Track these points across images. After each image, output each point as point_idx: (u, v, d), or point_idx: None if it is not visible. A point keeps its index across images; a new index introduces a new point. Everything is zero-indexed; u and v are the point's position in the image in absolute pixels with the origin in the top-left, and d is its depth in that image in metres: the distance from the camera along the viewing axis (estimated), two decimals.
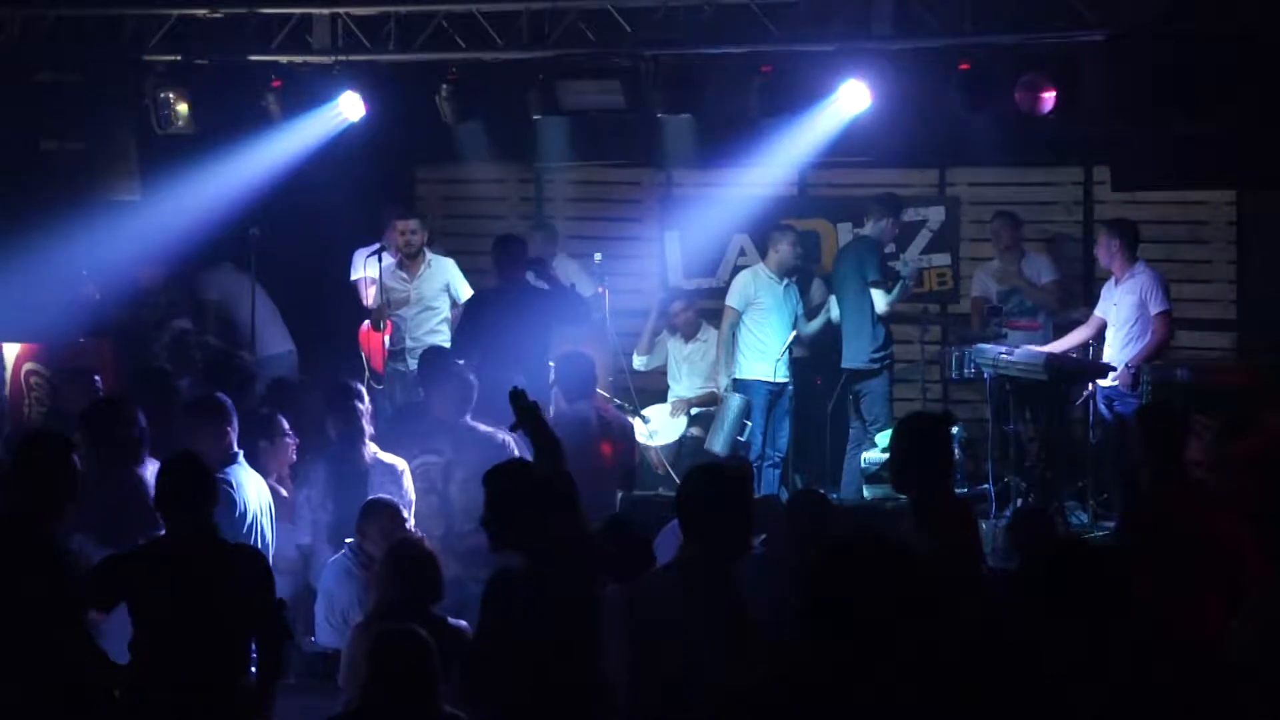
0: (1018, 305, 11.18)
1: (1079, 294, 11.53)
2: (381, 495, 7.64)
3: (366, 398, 8.34)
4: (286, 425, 8.32)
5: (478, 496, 6.63)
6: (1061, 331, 10.98)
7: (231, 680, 5.78)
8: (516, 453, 8.00)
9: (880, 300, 10.87)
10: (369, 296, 11.21)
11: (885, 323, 11.01)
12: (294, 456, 8.27)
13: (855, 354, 11.01)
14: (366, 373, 10.92)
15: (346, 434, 8.05)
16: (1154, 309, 10.30)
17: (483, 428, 8.28)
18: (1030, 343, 10.58)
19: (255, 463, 7.68)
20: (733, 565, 5.43)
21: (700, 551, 5.38)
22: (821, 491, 8.83)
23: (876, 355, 10.97)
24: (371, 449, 8.08)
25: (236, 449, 7.47)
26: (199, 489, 5.93)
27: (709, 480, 5.54)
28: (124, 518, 6.78)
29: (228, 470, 7.28)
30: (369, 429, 8.15)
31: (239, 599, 5.79)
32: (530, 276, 10.26)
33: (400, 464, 8.09)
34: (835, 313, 11.22)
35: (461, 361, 9.18)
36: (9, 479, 6.14)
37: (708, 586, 5.33)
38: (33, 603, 5.75)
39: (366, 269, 11.19)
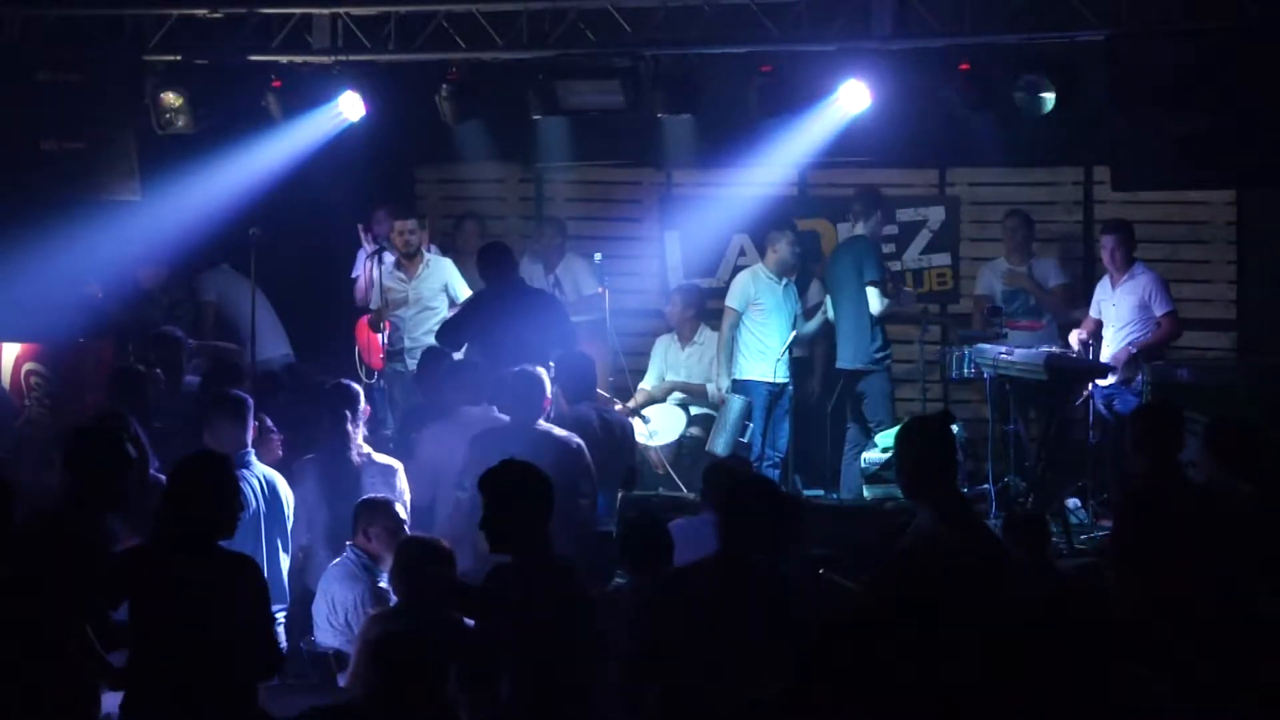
0: (1022, 306, 11.16)
1: (1080, 294, 11.51)
2: (374, 494, 7.64)
3: (363, 397, 8.31)
4: (270, 422, 8.32)
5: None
6: (1066, 331, 10.95)
7: (223, 687, 5.70)
8: (588, 459, 8.05)
9: (875, 300, 10.84)
10: (360, 293, 11.23)
11: (881, 323, 10.97)
12: (279, 453, 8.26)
13: (853, 355, 10.97)
14: (361, 370, 10.93)
15: (338, 433, 8.04)
16: (1160, 310, 10.34)
17: (558, 432, 8.15)
18: (1032, 343, 10.55)
19: None
20: (761, 567, 5.53)
21: (726, 555, 5.47)
22: (795, 493, 8.87)
23: (877, 355, 10.94)
24: (365, 449, 8.06)
25: (249, 447, 7.49)
26: (200, 493, 5.78)
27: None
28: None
29: (240, 471, 7.31)
30: (363, 429, 8.14)
31: (228, 608, 5.68)
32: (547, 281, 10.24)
33: (395, 464, 8.08)
34: (833, 313, 11.19)
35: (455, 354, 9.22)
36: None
37: (730, 588, 5.39)
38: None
39: (366, 268, 11.20)
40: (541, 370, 8.29)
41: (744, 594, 5.52)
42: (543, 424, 8.19)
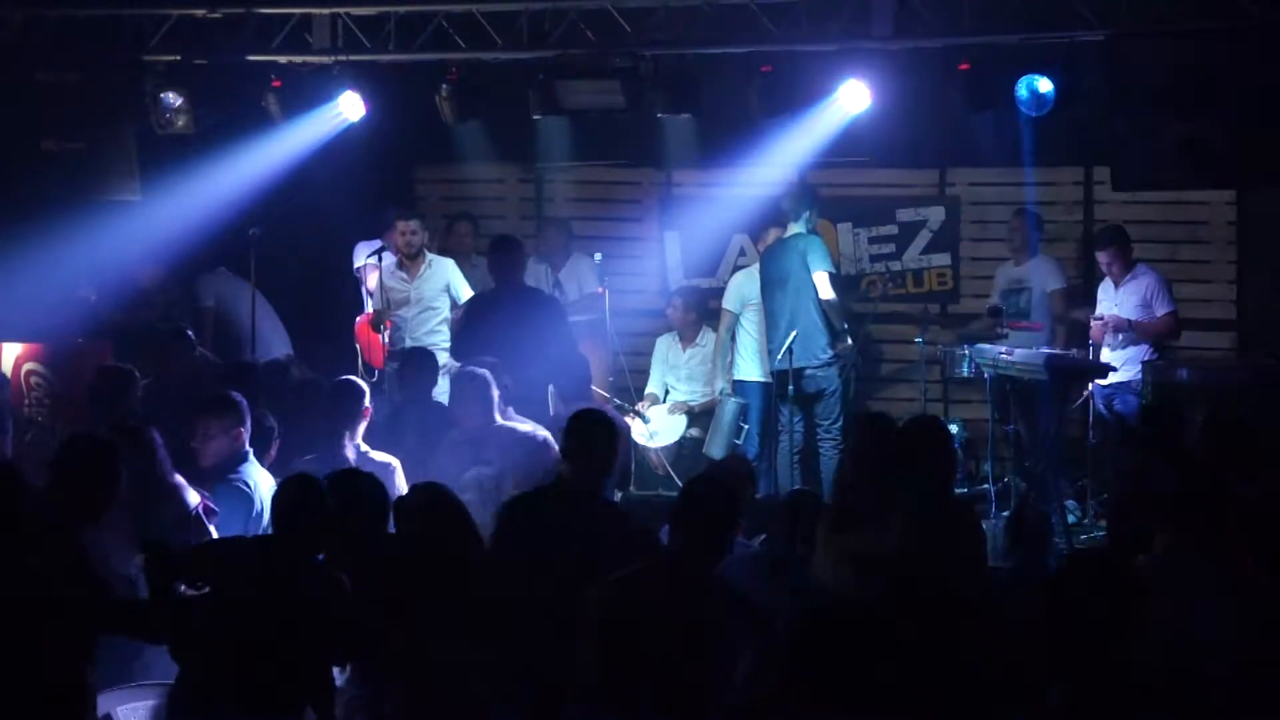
0: (1014, 306, 11.06)
1: (1079, 296, 11.47)
2: None
3: (367, 396, 8.30)
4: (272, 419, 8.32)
5: None
6: (1071, 331, 10.91)
7: (297, 693, 5.68)
8: (556, 449, 7.90)
9: (826, 288, 10.47)
10: (371, 281, 11.21)
11: (830, 318, 10.63)
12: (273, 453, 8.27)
13: (807, 354, 10.52)
14: (360, 367, 10.92)
15: (330, 432, 8.03)
16: (1162, 310, 10.38)
17: (521, 428, 8.14)
18: (1033, 344, 10.52)
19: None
20: (710, 567, 5.52)
21: (679, 553, 5.46)
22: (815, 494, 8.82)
23: (825, 354, 10.60)
24: (364, 447, 8.05)
25: (248, 447, 7.51)
26: (308, 513, 5.86)
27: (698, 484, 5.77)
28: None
29: (241, 469, 7.40)
30: (359, 427, 8.12)
31: (314, 615, 5.70)
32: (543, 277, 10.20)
33: (393, 462, 8.06)
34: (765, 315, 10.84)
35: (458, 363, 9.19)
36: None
37: (685, 587, 5.39)
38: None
39: (368, 261, 11.19)
40: (483, 370, 8.27)
41: (697, 594, 5.51)
42: (503, 421, 8.17)
